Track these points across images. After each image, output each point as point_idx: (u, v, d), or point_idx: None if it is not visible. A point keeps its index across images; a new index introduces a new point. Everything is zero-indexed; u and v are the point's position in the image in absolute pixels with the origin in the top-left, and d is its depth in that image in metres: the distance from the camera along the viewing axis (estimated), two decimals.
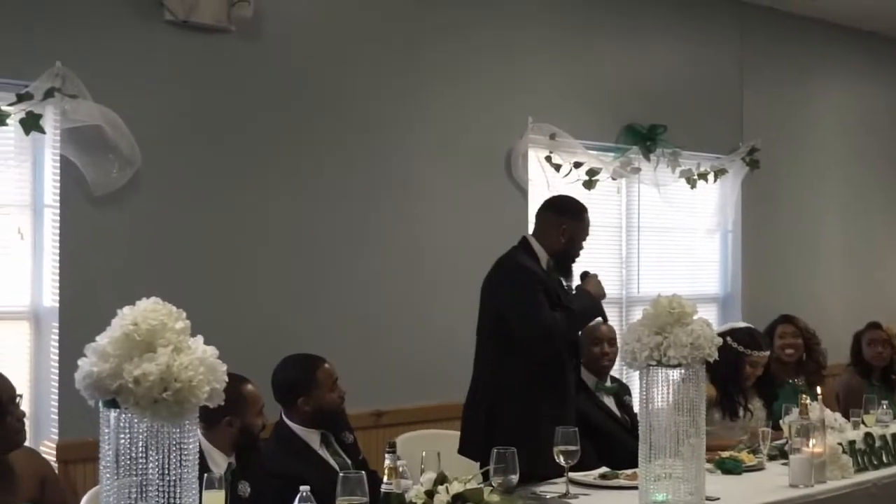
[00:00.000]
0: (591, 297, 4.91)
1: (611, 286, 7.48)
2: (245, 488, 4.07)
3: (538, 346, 4.73)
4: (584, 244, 5.05)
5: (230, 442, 4.08)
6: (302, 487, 3.26)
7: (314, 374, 4.48)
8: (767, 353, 5.78)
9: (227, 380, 2.82)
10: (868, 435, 4.93)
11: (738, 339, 5.64)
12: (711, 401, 5.46)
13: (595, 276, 4.99)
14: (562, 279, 4.99)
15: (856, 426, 5.18)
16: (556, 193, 5.70)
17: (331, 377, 4.52)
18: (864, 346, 7.09)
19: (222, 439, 4.06)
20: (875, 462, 4.88)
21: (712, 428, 5.40)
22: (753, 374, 5.70)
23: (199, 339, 2.84)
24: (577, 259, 5.04)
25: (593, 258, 7.20)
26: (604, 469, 4.62)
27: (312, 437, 4.45)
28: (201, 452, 3.70)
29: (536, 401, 4.72)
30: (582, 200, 5.19)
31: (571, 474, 4.27)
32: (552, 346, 4.76)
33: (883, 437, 4.99)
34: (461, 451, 4.84)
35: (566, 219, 4.99)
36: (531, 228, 6.57)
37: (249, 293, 5.72)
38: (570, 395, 4.90)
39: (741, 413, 5.63)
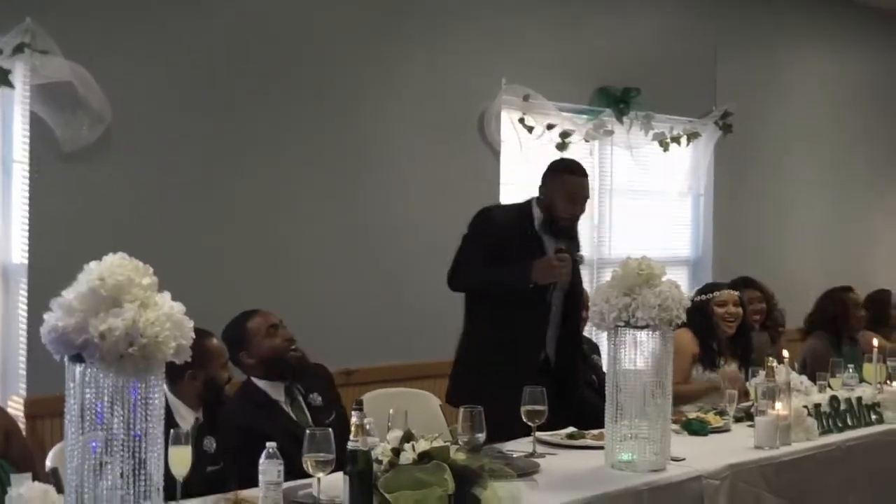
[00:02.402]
0: (527, 274, 4.87)
1: (584, 247, 7.50)
2: (211, 443, 4.07)
3: (448, 279, 5.02)
4: (573, 208, 5.00)
5: (195, 395, 4.08)
6: (268, 444, 3.26)
7: (244, 326, 4.53)
8: (734, 292, 5.86)
9: (193, 336, 2.81)
10: (833, 398, 4.96)
11: (701, 291, 5.88)
12: (694, 358, 5.70)
13: (560, 257, 4.90)
14: (558, 241, 4.99)
15: (822, 389, 5.22)
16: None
17: (264, 324, 4.54)
18: (850, 309, 7.06)
19: (187, 393, 4.06)
20: (840, 425, 4.91)
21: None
22: (725, 314, 5.77)
23: (166, 294, 2.83)
24: (562, 222, 4.99)
25: None
26: (571, 429, 4.64)
27: (276, 390, 4.49)
28: (169, 408, 3.70)
29: (490, 351, 4.92)
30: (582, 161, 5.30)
31: (538, 434, 4.28)
32: (453, 287, 5.01)
33: (848, 400, 5.02)
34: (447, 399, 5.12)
35: (549, 177, 5.03)
36: (503, 190, 6.65)
37: (218, 251, 5.71)
38: (529, 351, 5.00)
39: (720, 364, 5.72)
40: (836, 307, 7.01)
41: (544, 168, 5.15)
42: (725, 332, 5.77)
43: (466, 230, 5.03)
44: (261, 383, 4.49)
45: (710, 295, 5.80)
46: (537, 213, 5.02)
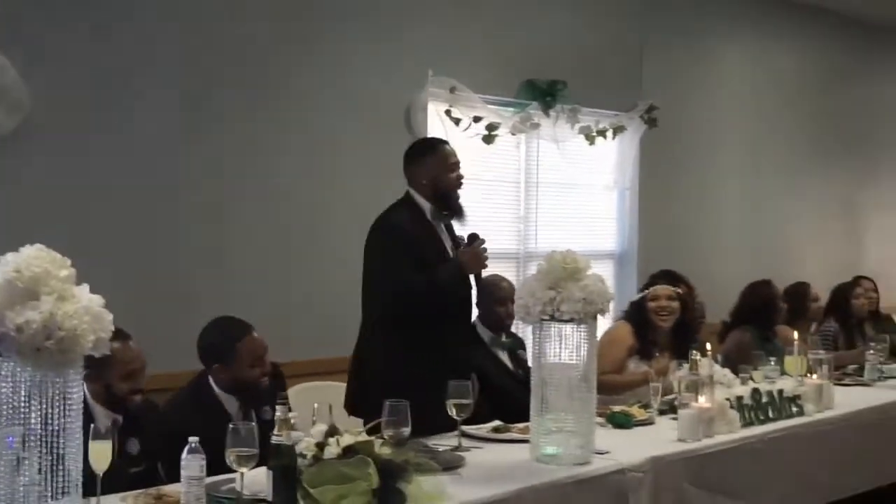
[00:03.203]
0: (460, 269, 4.85)
1: (508, 241, 7.57)
2: (134, 446, 4.02)
3: (388, 308, 4.76)
4: (459, 174, 4.98)
5: (103, 399, 4.01)
6: (191, 438, 3.23)
7: (234, 345, 4.42)
8: (669, 287, 5.95)
9: (112, 329, 2.78)
10: (755, 391, 5.03)
11: (644, 286, 6.02)
12: (631, 350, 5.81)
13: (480, 243, 4.86)
14: (452, 228, 4.98)
15: (744, 382, 5.28)
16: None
17: (254, 353, 4.45)
18: (776, 302, 7.14)
19: (99, 395, 4.00)
20: (761, 417, 4.98)
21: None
22: (657, 308, 5.85)
23: (85, 287, 2.79)
24: (454, 193, 4.96)
25: (492, 213, 7.31)
26: (496, 422, 4.65)
27: (231, 403, 4.43)
28: (87, 405, 3.65)
29: (413, 363, 4.70)
30: (446, 140, 5.30)
31: (464, 427, 4.28)
32: (403, 309, 4.73)
33: (770, 393, 5.09)
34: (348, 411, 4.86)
35: (421, 158, 4.97)
36: None
37: (142, 244, 5.64)
38: (453, 357, 4.82)
39: (656, 354, 5.79)
40: (762, 300, 7.09)
41: (404, 157, 5.06)
42: (659, 325, 5.85)
43: (378, 249, 4.85)
44: (218, 390, 4.42)
45: (643, 292, 5.95)
46: (422, 202, 4.93)
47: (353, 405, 4.84)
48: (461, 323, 5.04)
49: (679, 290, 5.97)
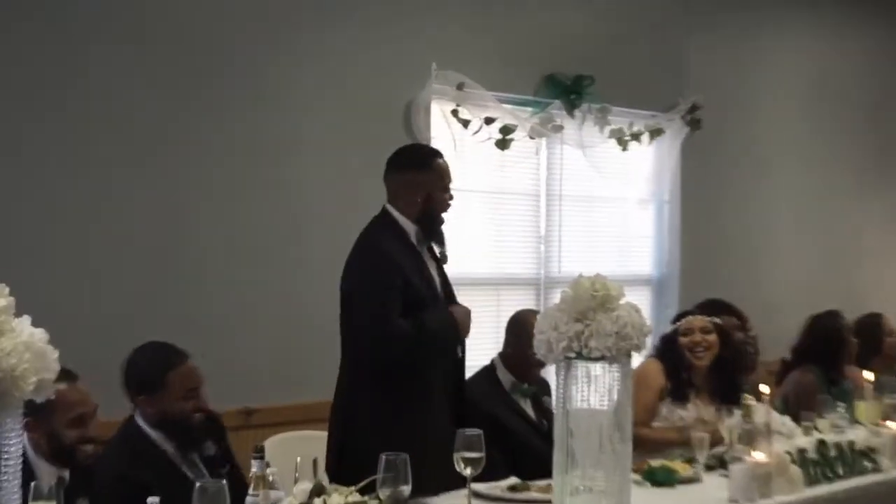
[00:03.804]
0: (452, 318, 4.93)
1: (527, 265, 7.57)
2: None
3: (371, 355, 4.81)
4: (450, 194, 5.04)
5: (45, 451, 3.98)
6: (150, 499, 3.22)
7: (164, 376, 4.40)
8: (703, 317, 5.96)
9: (58, 369, 2.76)
10: (821, 442, 5.00)
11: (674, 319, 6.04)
12: (662, 393, 5.79)
13: (467, 311, 5.03)
14: (435, 248, 5.04)
15: (807, 432, 5.25)
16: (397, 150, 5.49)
17: (186, 383, 4.42)
18: (847, 337, 7.13)
19: (40, 446, 3.98)
20: (829, 474, 4.95)
21: (656, 422, 5.73)
22: (691, 343, 5.85)
23: (26, 319, 2.78)
24: (443, 217, 5.03)
25: (507, 231, 7.31)
26: (513, 479, 4.63)
27: (165, 442, 4.40)
28: (28, 460, 3.63)
29: (398, 418, 4.75)
30: (438, 147, 5.48)
31: (475, 486, 4.26)
32: (387, 358, 4.79)
33: (838, 444, 5.06)
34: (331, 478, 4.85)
35: (414, 172, 5.01)
36: None
37: (89, 272, 5.63)
38: (441, 414, 4.91)
39: (691, 398, 5.77)
40: (828, 334, 7.06)
41: (389, 164, 5.12)
42: (694, 363, 5.82)
43: (364, 282, 4.88)
44: (150, 430, 4.40)
45: (674, 324, 5.96)
46: (405, 224, 4.98)
47: (337, 461, 4.85)
48: (452, 374, 5.08)
49: (717, 321, 5.96)
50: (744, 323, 6.68)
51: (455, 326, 4.95)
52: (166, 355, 4.47)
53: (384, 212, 5.03)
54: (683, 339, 5.86)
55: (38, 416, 3.77)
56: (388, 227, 4.97)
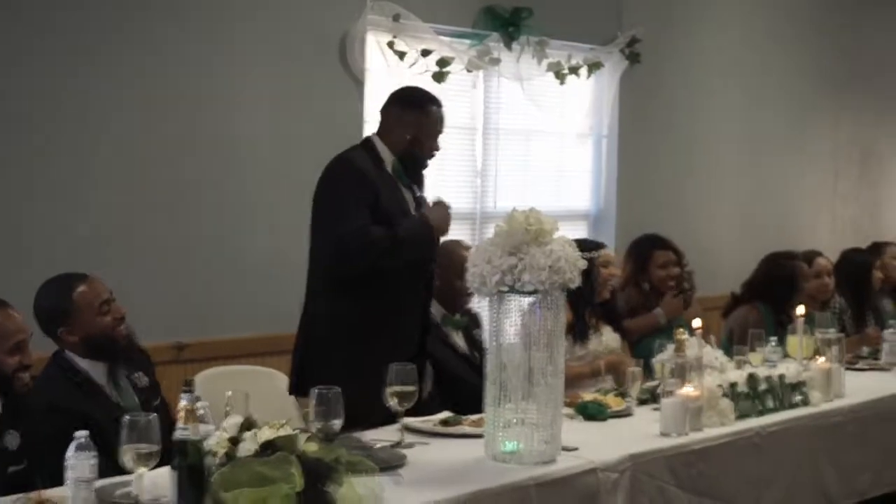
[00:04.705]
0: (425, 225, 4.99)
1: (463, 200, 7.56)
2: (14, 440, 3.99)
3: (341, 259, 4.83)
4: (437, 144, 5.15)
5: None
6: (78, 433, 3.22)
7: (70, 298, 4.41)
8: (612, 252, 6.24)
9: None
10: (752, 376, 5.05)
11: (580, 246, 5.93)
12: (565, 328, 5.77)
13: (446, 206, 5.07)
14: (412, 187, 5.09)
15: (739, 365, 5.31)
16: (402, 85, 5.69)
17: (95, 298, 4.45)
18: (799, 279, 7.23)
19: None
20: (759, 408, 5.01)
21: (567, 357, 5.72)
22: (609, 275, 6.01)
23: None
24: (426, 161, 5.14)
25: (444, 164, 7.30)
26: (446, 414, 4.66)
27: (97, 371, 4.41)
28: None
29: (364, 336, 4.84)
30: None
31: (407, 420, 4.29)
32: (357, 260, 4.82)
33: (769, 378, 5.11)
34: (290, 391, 5.03)
35: (409, 111, 5.09)
36: (367, 128, 6.59)
37: (22, 202, 5.60)
38: (407, 334, 5.01)
39: (591, 334, 5.91)
40: (784, 274, 7.14)
41: (389, 98, 5.22)
42: (603, 297, 6.02)
43: (330, 188, 4.96)
44: (79, 360, 4.41)
45: (593, 254, 5.91)
46: (384, 152, 5.06)
47: (298, 385, 4.95)
48: (421, 294, 5.13)
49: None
50: (680, 258, 6.77)
51: (427, 225, 4.99)
52: (66, 280, 4.48)
53: (366, 140, 5.15)
54: (605, 272, 6.00)
55: None
56: (366, 152, 5.06)
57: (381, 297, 4.89)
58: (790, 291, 7.06)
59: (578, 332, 5.85)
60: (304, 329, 5.06)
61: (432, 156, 5.17)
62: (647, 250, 6.68)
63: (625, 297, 6.55)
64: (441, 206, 5.08)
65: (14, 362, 4.05)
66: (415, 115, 5.08)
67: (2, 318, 4.01)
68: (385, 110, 5.17)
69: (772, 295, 7.09)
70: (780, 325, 6.68)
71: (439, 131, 5.16)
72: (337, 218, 4.85)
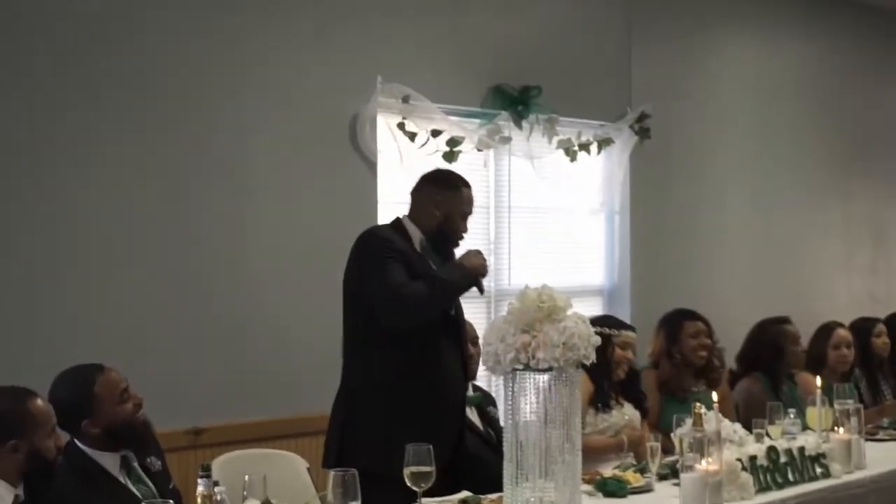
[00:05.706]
0: (461, 266, 5.10)
1: None
2: None
3: (393, 316, 4.93)
4: (466, 226, 5.28)
5: (16, 470, 3.99)
6: None
7: (91, 390, 4.41)
8: (635, 334, 6.28)
9: None
10: (772, 449, 5.04)
11: (601, 322, 6.03)
12: (589, 398, 5.95)
13: (478, 251, 5.21)
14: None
15: (758, 439, 5.30)
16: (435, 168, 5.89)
17: (115, 387, 4.45)
18: (787, 344, 7.21)
19: (6, 468, 3.98)
20: (780, 481, 5.00)
21: (585, 430, 5.69)
22: (624, 357, 6.13)
23: None
24: (456, 242, 5.25)
25: None
26: (464, 493, 4.66)
27: (109, 461, 4.40)
28: None
29: (403, 394, 4.95)
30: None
31: (425, 500, 4.28)
32: (410, 314, 4.94)
33: (789, 451, 5.11)
34: (324, 465, 5.06)
35: (440, 191, 5.23)
36: (381, 209, 6.64)
37: (26, 291, 5.60)
38: (450, 385, 5.14)
39: (612, 405, 6.02)
40: (766, 340, 7.17)
41: (420, 180, 5.36)
42: (619, 376, 6.15)
43: (365, 257, 5.06)
44: (89, 451, 4.40)
45: (614, 332, 6.12)
46: (414, 232, 5.18)
47: (339, 452, 4.99)
48: (455, 346, 5.23)
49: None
50: (711, 330, 6.78)
51: (463, 266, 5.11)
52: (84, 372, 4.48)
53: (396, 220, 5.28)
54: (620, 352, 6.12)
55: (20, 435, 3.91)
56: (393, 229, 5.20)
57: (422, 350, 5.02)
58: (775, 356, 7.11)
59: (600, 402, 5.94)
60: (345, 395, 5.12)
61: (461, 236, 5.28)
62: (677, 321, 6.73)
63: (657, 372, 6.66)
64: (473, 252, 5.19)
65: (52, 445, 4.07)
66: (447, 195, 5.22)
67: (41, 403, 4.06)
68: (417, 191, 5.30)
69: (762, 362, 7.12)
70: (777, 392, 6.72)
71: (469, 212, 5.31)
72: (383, 272, 4.94)
